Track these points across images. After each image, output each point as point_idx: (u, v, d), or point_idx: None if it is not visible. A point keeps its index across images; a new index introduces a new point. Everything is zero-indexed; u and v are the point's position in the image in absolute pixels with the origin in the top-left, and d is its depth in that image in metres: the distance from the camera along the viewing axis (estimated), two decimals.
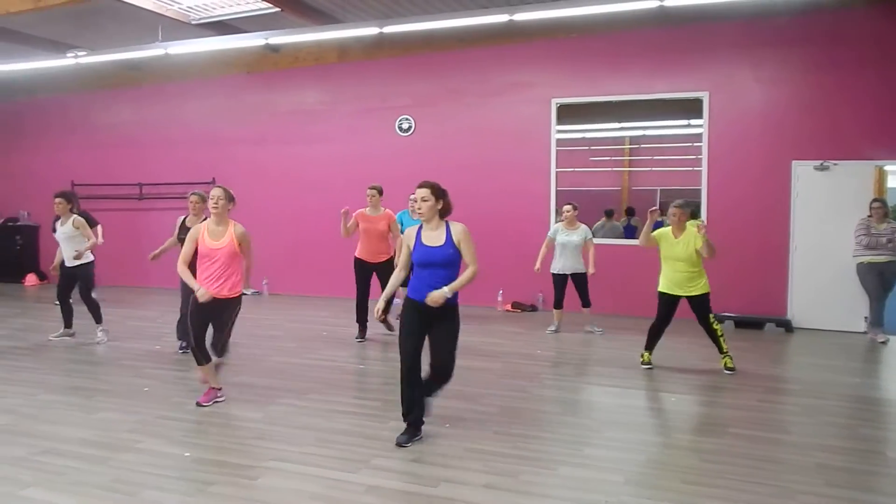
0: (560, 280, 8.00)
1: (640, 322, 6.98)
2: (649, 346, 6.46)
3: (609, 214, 9.87)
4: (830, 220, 8.33)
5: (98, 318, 7.53)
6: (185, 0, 8.58)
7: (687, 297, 6.23)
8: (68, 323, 7.67)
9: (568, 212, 7.93)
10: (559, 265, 7.96)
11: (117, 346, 7.34)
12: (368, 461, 4.11)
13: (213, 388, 5.27)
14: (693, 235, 6.12)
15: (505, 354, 7.03)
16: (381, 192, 7.57)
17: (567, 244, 7.89)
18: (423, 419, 4.49)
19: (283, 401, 5.34)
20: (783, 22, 8.42)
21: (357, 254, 7.62)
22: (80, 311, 7.67)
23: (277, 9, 8.40)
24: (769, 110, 8.69)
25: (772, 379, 6.21)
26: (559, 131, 9.66)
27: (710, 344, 6.36)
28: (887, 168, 8.91)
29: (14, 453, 4.21)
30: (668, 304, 6.28)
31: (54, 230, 7.53)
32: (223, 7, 8.83)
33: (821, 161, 8.40)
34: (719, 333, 6.30)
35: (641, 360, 6.46)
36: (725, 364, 6.31)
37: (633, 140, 10.09)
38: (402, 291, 4.96)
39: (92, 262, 7.53)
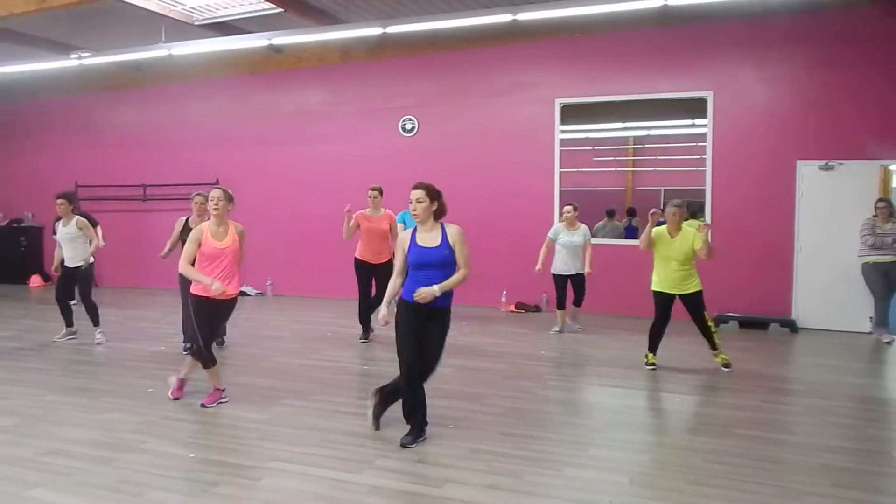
0: (561, 281, 8.00)
1: (641, 322, 6.97)
2: (652, 348, 6.45)
3: (610, 215, 9.86)
4: (835, 220, 8.31)
5: (96, 321, 7.54)
6: (189, 1, 8.59)
7: (682, 295, 6.25)
8: (69, 322, 7.68)
9: (569, 213, 7.93)
10: (560, 266, 7.96)
11: (121, 347, 7.35)
12: (372, 462, 4.11)
13: (218, 388, 5.28)
14: (690, 235, 6.14)
15: (509, 355, 7.03)
16: (381, 193, 7.60)
17: (568, 245, 7.88)
18: (427, 420, 4.49)
19: (287, 401, 5.35)
20: (787, 21, 8.41)
21: (358, 254, 7.62)
22: (79, 311, 7.69)
23: (280, 9, 8.42)
24: (774, 110, 8.67)
25: (776, 379, 6.19)
26: (563, 131, 9.65)
27: None
28: (892, 168, 8.88)
29: (19, 454, 4.23)
30: (664, 303, 6.30)
31: (54, 231, 7.54)
32: (226, 8, 8.84)
33: (825, 161, 8.38)
34: (713, 330, 6.36)
35: (646, 361, 6.45)
36: (722, 361, 6.35)
37: (636, 140, 10.08)
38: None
39: (92, 263, 7.55)
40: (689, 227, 6.25)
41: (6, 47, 9.97)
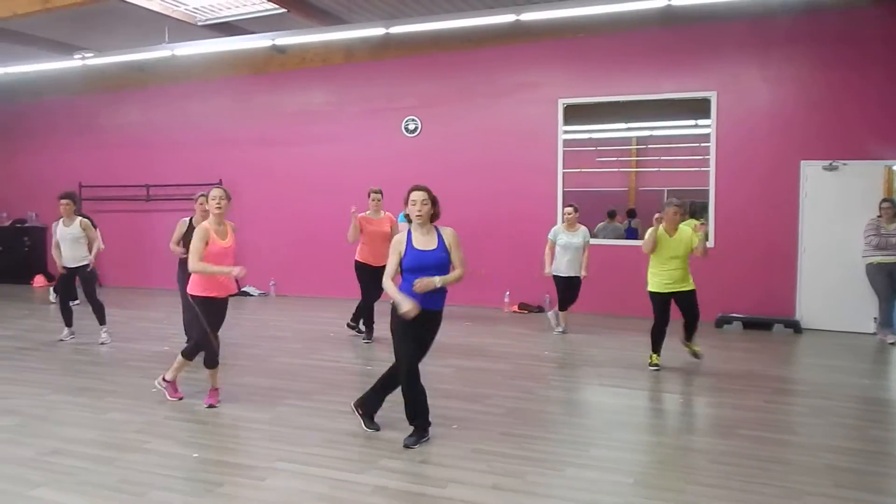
0: (561, 282, 8.01)
1: (641, 322, 6.96)
2: (655, 349, 6.45)
3: (611, 216, 9.85)
4: (839, 221, 8.29)
5: (102, 320, 7.56)
6: (192, 1, 8.60)
7: (681, 293, 6.29)
8: (68, 322, 7.69)
9: (569, 214, 7.93)
10: (561, 267, 7.95)
11: (124, 347, 7.36)
12: (375, 462, 4.11)
13: (215, 388, 5.30)
14: (687, 234, 6.25)
15: (511, 355, 7.02)
16: (382, 195, 7.61)
17: (568, 246, 7.88)
18: (430, 420, 4.49)
19: (290, 402, 5.35)
20: (791, 21, 8.39)
21: (359, 257, 7.61)
22: (85, 311, 7.69)
23: (284, 10, 8.42)
24: (777, 110, 8.65)
25: (779, 380, 6.18)
26: (566, 132, 9.65)
27: (716, 345, 6.34)
28: None
29: (23, 454, 4.23)
30: (663, 303, 6.33)
31: (54, 232, 7.53)
32: (229, 8, 8.84)
33: (829, 161, 8.36)
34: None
35: (649, 362, 6.44)
36: (693, 351, 6.54)
37: (640, 140, 10.05)
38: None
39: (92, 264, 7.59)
40: (685, 226, 6.36)
41: (9, 48, 9.99)
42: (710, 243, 8.67)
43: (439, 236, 4.42)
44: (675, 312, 6.37)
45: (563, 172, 9.63)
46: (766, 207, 8.67)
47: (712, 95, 8.89)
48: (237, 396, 5.42)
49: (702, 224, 6.38)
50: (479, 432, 4.63)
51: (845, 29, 8.25)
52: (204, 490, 3.74)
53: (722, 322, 8.53)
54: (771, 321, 8.44)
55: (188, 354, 5.33)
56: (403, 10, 8.64)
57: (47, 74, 10.81)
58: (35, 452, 4.25)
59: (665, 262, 6.24)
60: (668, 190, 9.61)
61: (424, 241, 4.39)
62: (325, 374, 6.27)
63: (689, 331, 6.50)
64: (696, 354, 6.58)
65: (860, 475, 4.00)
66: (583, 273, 7.92)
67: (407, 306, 4.21)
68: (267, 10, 8.70)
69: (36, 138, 13.26)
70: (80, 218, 7.43)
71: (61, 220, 7.40)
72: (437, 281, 4.27)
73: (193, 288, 5.12)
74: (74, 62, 9.75)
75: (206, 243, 5.01)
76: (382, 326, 7.47)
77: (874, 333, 8.01)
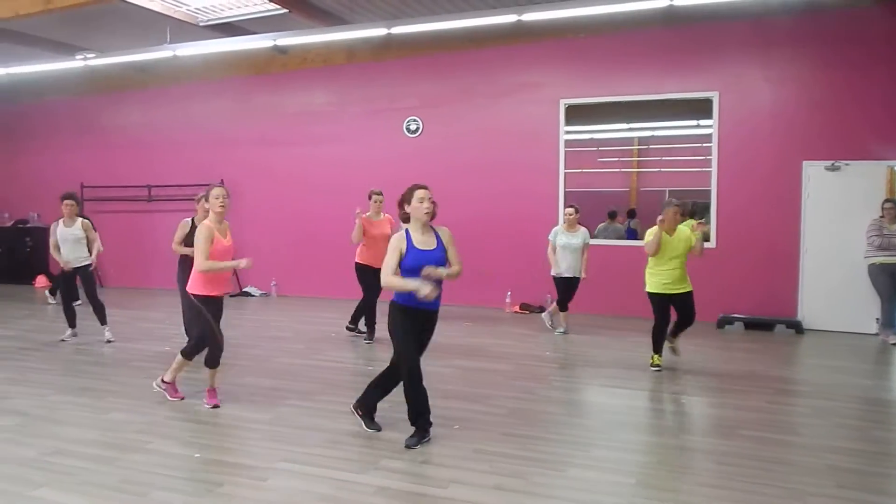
0: (562, 282, 8.00)
1: (642, 323, 6.96)
2: (657, 349, 6.44)
3: (612, 216, 9.84)
4: (841, 221, 8.27)
5: (103, 319, 7.57)
6: (193, 2, 8.61)
7: (679, 293, 6.29)
8: (72, 323, 7.71)
9: (570, 215, 7.93)
10: (561, 267, 7.95)
11: (126, 348, 7.37)
12: (376, 462, 4.11)
13: (214, 388, 5.31)
14: (685, 233, 6.28)
15: (513, 356, 7.02)
16: (383, 197, 7.61)
17: (568, 247, 7.88)
18: (431, 421, 4.49)
19: (291, 402, 5.35)
20: (793, 21, 8.38)
21: (360, 259, 7.60)
22: (85, 311, 7.70)
23: (285, 10, 8.43)
24: (779, 110, 8.64)
25: (782, 380, 6.17)
26: (567, 132, 9.64)
27: (717, 345, 6.33)
28: None
29: (25, 454, 4.23)
30: (662, 303, 6.34)
31: (53, 233, 7.52)
32: (231, 9, 8.85)
33: (832, 161, 8.35)
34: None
35: (651, 362, 6.43)
36: (675, 347, 6.60)
37: (641, 141, 10.05)
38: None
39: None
40: (684, 226, 6.38)
41: (12, 48, 10.00)
42: (712, 244, 8.69)
43: (437, 236, 4.46)
44: (674, 312, 6.38)
45: (565, 173, 9.63)
46: (767, 208, 8.66)
47: (714, 95, 8.88)
48: (238, 397, 5.42)
49: (699, 223, 6.38)
50: (481, 433, 4.63)
51: (847, 29, 8.25)
52: (205, 490, 3.73)
53: (723, 322, 8.52)
54: (773, 321, 8.43)
55: (188, 354, 5.33)
56: (405, 11, 8.65)
57: (49, 75, 10.82)
58: (36, 452, 4.25)
59: (664, 263, 6.25)
60: (669, 190, 9.61)
61: (424, 241, 4.41)
62: (327, 374, 6.26)
63: (679, 329, 6.54)
64: (674, 350, 6.62)
65: (862, 476, 3.99)
66: (582, 274, 7.91)
67: (426, 289, 4.15)
68: (268, 11, 8.71)
69: (38, 139, 13.28)
70: (80, 219, 7.46)
71: (61, 220, 7.41)
72: (443, 272, 4.33)
73: (194, 287, 5.12)
74: (76, 63, 9.76)
75: (212, 242, 5.01)
76: (383, 327, 7.50)
77: (876, 334, 8.00)
